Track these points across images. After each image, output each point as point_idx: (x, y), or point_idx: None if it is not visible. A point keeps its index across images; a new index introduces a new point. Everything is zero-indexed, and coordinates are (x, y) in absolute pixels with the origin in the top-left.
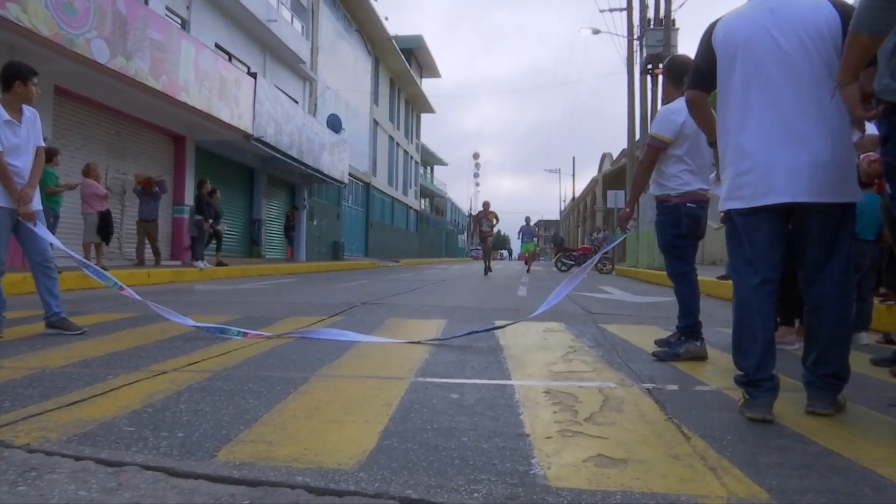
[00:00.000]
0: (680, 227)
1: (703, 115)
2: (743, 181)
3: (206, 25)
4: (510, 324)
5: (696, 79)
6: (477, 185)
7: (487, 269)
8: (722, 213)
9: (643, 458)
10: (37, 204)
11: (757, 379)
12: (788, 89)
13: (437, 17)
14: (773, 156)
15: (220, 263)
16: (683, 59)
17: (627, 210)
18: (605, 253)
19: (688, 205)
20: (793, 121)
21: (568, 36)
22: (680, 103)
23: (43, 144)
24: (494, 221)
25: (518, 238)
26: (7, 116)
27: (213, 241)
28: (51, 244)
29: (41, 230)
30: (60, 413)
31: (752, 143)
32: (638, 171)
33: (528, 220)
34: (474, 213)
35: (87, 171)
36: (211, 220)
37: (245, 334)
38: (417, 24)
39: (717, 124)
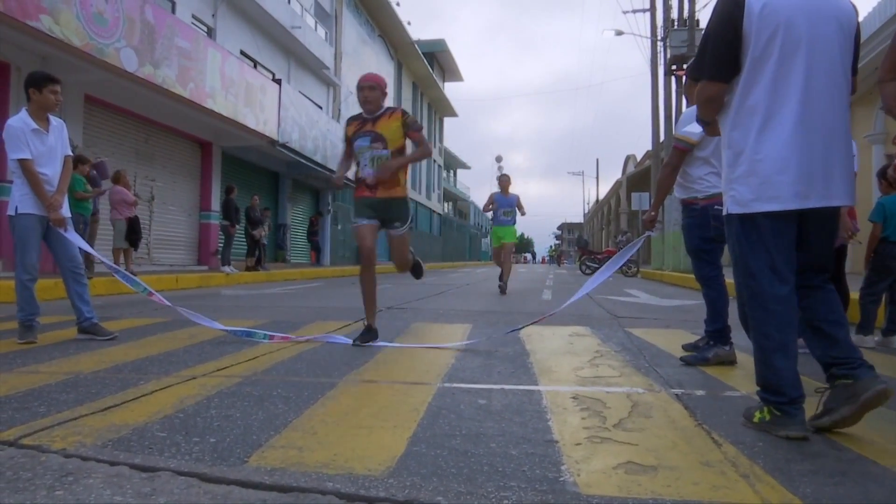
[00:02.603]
0: (708, 230)
1: (717, 110)
2: (778, 180)
3: (231, 33)
4: (530, 324)
5: (719, 66)
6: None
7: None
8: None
9: (674, 465)
10: (66, 211)
11: (796, 397)
12: (824, 80)
13: (475, 27)
14: (812, 154)
15: (250, 268)
16: None
17: (652, 213)
18: (630, 256)
19: (715, 207)
20: (828, 116)
21: (596, 43)
22: None
23: (70, 153)
24: (397, 133)
25: (488, 216)
26: (34, 125)
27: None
28: (81, 250)
29: (72, 235)
30: (95, 418)
31: (788, 137)
32: (663, 173)
33: (503, 181)
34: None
35: (117, 178)
36: (237, 226)
37: (271, 337)
38: (454, 35)
39: (730, 110)
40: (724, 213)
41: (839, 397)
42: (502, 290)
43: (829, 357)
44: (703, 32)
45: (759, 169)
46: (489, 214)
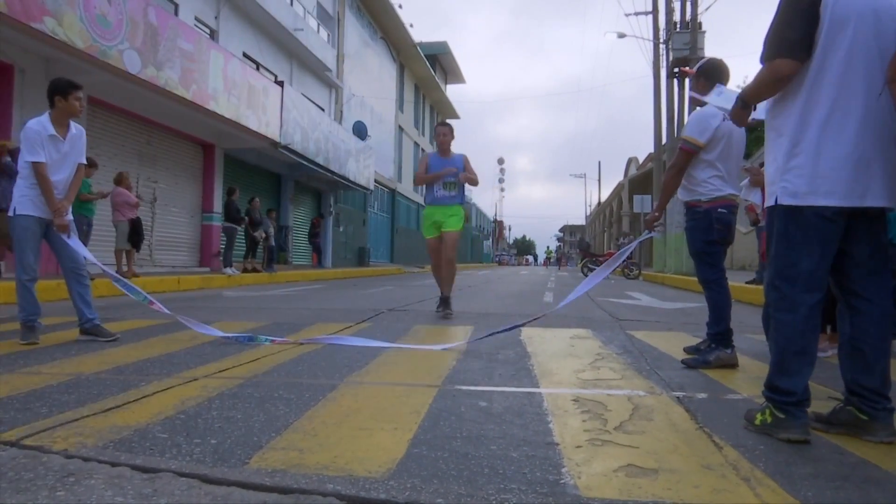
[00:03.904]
0: (711, 232)
1: (781, 90)
2: (838, 176)
3: (234, 35)
4: (530, 321)
5: (799, 44)
6: (502, 189)
7: None
8: (762, 210)
9: (674, 468)
10: (68, 213)
11: (803, 399)
12: (882, 77)
13: (483, 33)
14: (871, 153)
15: (248, 270)
16: (719, 63)
17: (656, 214)
18: (629, 257)
19: (719, 210)
20: (886, 116)
21: (601, 49)
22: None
23: (84, 162)
24: None
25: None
26: (52, 131)
27: (258, 248)
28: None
29: (74, 242)
30: (96, 419)
31: (852, 134)
32: (668, 174)
33: (441, 135)
34: (500, 219)
35: (119, 180)
36: (240, 228)
37: (273, 342)
38: (462, 41)
39: (791, 98)
40: (771, 203)
41: (846, 420)
42: (445, 310)
43: (858, 386)
44: (775, 13)
45: (820, 162)
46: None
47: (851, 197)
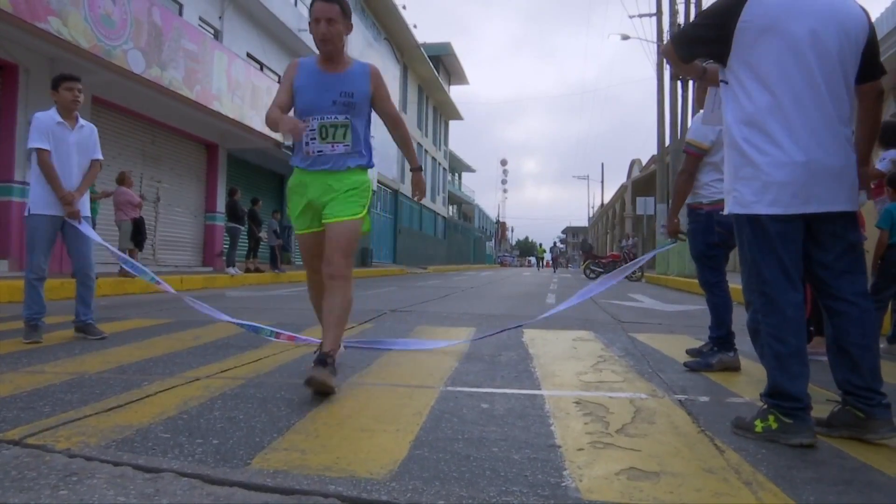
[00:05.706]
0: (712, 235)
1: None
2: (779, 184)
3: (238, 35)
4: (526, 324)
5: (692, 50)
6: (505, 191)
7: None
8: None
9: (676, 472)
10: (85, 210)
11: (809, 402)
12: (825, 85)
13: (496, 39)
14: (815, 157)
15: (257, 269)
16: None
17: (675, 221)
18: (633, 257)
19: (720, 213)
20: (831, 120)
21: (609, 56)
22: None
23: (100, 157)
24: None
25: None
26: (59, 119)
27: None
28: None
29: (86, 228)
30: (99, 418)
31: (789, 139)
32: (679, 179)
33: (322, 24)
34: (503, 220)
35: (122, 179)
36: (244, 228)
37: (277, 335)
38: (475, 47)
39: (733, 112)
40: (726, 212)
41: (846, 421)
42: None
43: (849, 384)
44: (704, 9)
45: (761, 173)
46: (287, 142)
47: (794, 204)
